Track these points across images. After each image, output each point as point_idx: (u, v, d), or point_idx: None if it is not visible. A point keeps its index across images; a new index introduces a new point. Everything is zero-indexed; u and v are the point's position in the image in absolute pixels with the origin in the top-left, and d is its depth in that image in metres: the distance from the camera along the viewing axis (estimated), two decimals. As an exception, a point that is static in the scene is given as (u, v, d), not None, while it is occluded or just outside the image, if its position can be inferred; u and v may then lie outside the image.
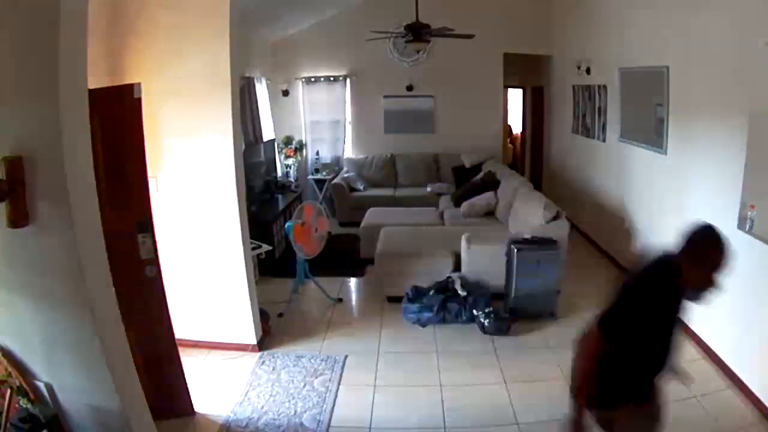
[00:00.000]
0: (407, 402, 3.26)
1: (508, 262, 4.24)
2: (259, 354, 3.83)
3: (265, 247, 4.87)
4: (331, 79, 7.82)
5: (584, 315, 4.32)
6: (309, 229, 4.65)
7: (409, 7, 5.52)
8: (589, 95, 6.14)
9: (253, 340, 3.87)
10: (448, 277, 4.49)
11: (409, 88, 7.84)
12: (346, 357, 3.78)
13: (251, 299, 3.81)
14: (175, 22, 3.37)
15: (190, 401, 3.12)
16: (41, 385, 2.19)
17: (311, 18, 7.46)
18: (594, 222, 6.13)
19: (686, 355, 3.65)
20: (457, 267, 4.59)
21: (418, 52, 6.68)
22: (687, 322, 2.20)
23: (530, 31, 7.69)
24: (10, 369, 2.17)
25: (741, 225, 3.17)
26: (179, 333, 3.09)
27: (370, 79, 7.82)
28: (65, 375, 2.17)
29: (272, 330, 4.11)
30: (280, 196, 6.60)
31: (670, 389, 3.22)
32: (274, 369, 3.64)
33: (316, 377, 3.52)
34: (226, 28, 3.34)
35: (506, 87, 8.55)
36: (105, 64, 3.36)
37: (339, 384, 3.45)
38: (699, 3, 3.74)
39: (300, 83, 7.87)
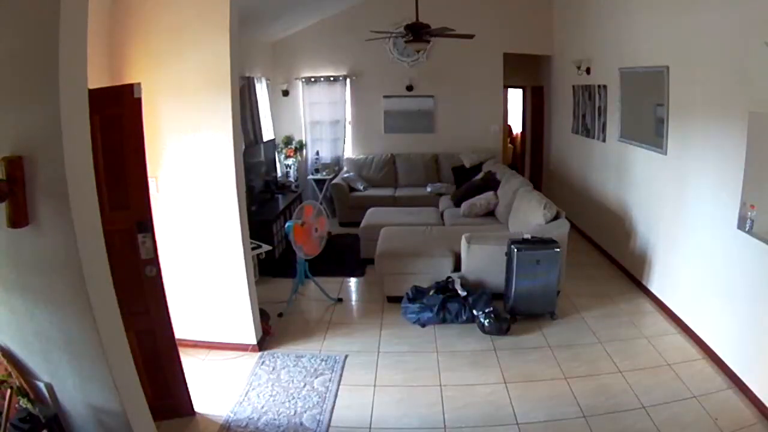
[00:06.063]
0: (407, 402, 3.25)
1: (508, 262, 4.24)
2: (259, 354, 3.83)
3: (265, 247, 4.87)
4: (331, 79, 7.81)
5: (584, 315, 4.34)
6: (309, 229, 4.65)
7: (409, 7, 5.52)
8: (589, 95, 6.14)
9: (253, 340, 3.86)
10: (448, 277, 4.49)
11: (409, 88, 7.84)
12: (346, 357, 3.78)
13: (251, 299, 3.80)
14: (175, 21, 3.37)
15: (190, 401, 3.11)
16: (41, 385, 2.19)
17: (311, 18, 7.47)
18: (594, 222, 6.13)
19: (686, 355, 3.67)
20: (457, 267, 4.58)
21: (418, 52, 6.67)
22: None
23: (530, 31, 7.69)
24: (10, 369, 2.17)
25: (741, 225, 3.17)
26: (179, 333, 3.09)
27: (370, 79, 7.82)
28: (65, 375, 2.17)
29: (272, 330, 4.11)
30: (280, 196, 6.60)
31: (670, 389, 3.25)
32: (274, 369, 3.64)
33: (316, 377, 3.52)
34: (226, 28, 3.33)
35: (506, 87, 8.55)
36: (105, 64, 3.36)
37: (339, 384, 3.44)
38: (699, 3, 3.74)
39: (300, 83, 7.87)
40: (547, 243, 4.17)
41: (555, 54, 7.67)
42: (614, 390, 3.29)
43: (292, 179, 7.59)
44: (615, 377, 3.43)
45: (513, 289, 4.18)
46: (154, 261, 2.80)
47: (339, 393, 3.35)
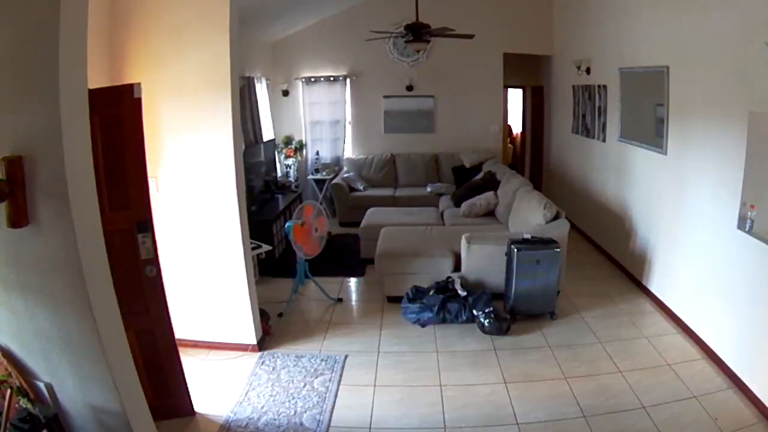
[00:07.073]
0: (407, 402, 3.25)
1: (508, 262, 4.24)
2: (259, 354, 3.83)
3: (265, 247, 4.88)
4: (331, 79, 7.81)
5: (584, 315, 4.34)
6: (309, 229, 4.65)
7: (409, 7, 5.52)
8: (589, 95, 6.14)
9: (253, 340, 3.86)
10: (448, 277, 4.49)
11: (409, 88, 7.84)
12: (346, 357, 3.78)
13: (251, 299, 3.80)
14: (175, 21, 3.37)
15: (190, 401, 3.11)
16: (41, 385, 2.19)
17: (311, 18, 7.47)
18: (594, 222, 6.13)
19: (686, 355, 3.67)
20: (457, 267, 4.58)
21: (418, 52, 6.67)
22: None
23: (530, 31, 7.69)
24: (10, 369, 2.17)
25: (741, 225, 3.17)
26: (179, 333, 3.09)
27: (370, 79, 7.82)
28: (65, 375, 2.17)
29: (272, 330, 4.11)
30: (280, 196, 6.60)
31: (670, 389, 3.25)
32: (274, 369, 3.64)
33: (316, 377, 3.52)
34: (226, 28, 3.33)
35: (506, 87, 8.55)
36: (105, 64, 3.36)
37: (339, 384, 3.44)
38: (699, 3, 3.74)
39: (300, 83, 7.87)
40: (547, 243, 4.17)
41: (555, 54, 7.66)
42: (614, 390, 3.29)
43: (292, 179, 7.59)
44: (615, 377, 3.43)
45: (513, 289, 4.18)
46: (154, 261, 2.80)
47: (339, 393, 3.35)
